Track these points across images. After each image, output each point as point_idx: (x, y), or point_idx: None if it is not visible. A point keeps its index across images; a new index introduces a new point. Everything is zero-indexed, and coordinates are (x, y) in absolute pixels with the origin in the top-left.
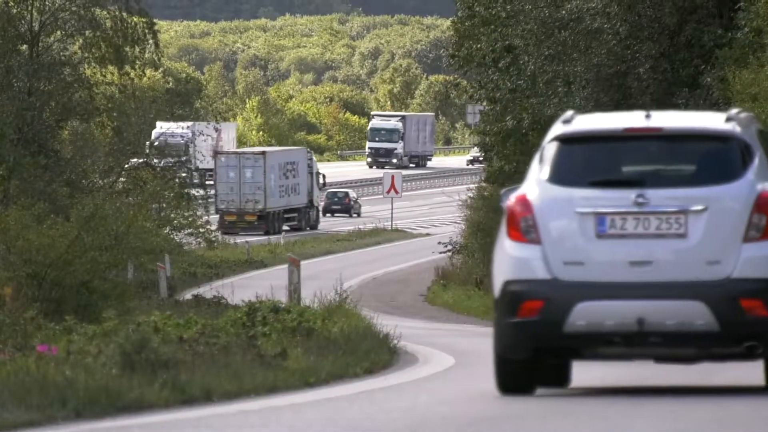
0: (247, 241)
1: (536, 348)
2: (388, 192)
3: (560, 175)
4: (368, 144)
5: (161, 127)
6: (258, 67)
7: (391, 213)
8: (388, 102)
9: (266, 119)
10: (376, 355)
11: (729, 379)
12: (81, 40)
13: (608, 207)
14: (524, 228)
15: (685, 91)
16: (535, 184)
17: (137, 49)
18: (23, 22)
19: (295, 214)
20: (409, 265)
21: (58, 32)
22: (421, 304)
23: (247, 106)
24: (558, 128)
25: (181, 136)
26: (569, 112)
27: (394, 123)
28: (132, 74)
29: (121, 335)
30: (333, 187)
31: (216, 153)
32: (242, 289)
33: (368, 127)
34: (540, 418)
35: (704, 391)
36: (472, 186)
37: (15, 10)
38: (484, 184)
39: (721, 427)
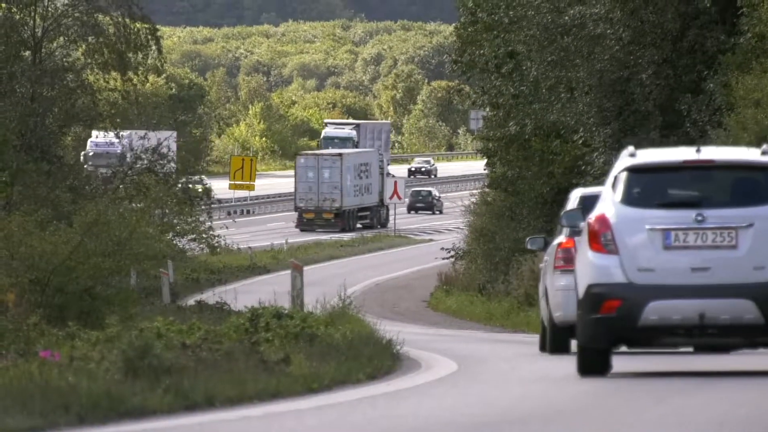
0: (249, 247)
1: (615, 339)
2: (391, 198)
3: (631, 198)
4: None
5: (96, 136)
6: (261, 73)
7: (395, 219)
8: (391, 108)
9: (269, 125)
10: (379, 360)
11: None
12: (84, 46)
13: (673, 224)
14: (604, 242)
15: (688, 96)
16: (611, 205)
17: (140, 55)
18: (26, 28)
19: (368, 213)
20: (411, 270)
21: (61, 38)
22: (423, 310)
23: (250, 112)
24: (626, 161)
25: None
26: (631, 148)
27: (347, 131)
28: (135, 80)
29: (124, 341)
30: (416, 186)
31: (296, 154)
32: (245, 294)
33: (321, 136)
34: (543, 420)
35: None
36: (475, 192)
37: (18, 16)
38: (487, 190)
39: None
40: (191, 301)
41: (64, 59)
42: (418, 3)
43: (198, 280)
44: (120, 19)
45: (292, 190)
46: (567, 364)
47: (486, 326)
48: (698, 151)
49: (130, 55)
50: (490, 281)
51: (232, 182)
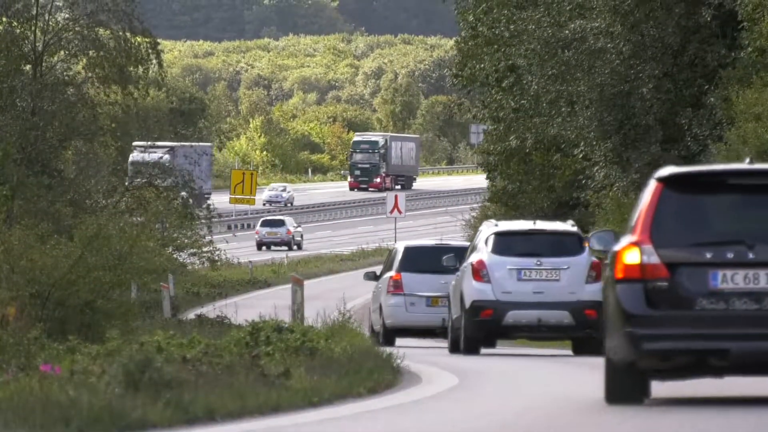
0: (250, 261)
1: (487, 334)
2: (392, 212)
3: (497, 250)
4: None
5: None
6: (261, 86)
7: (395, 233)
8: (390, 122)
9: (270, 139)
10: (379, 374)
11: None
12: (84, 60)
13: (522, 266)
14: (482, 275)
15: (688, 110)
16: (486, 254)
17: (141, 69)
18: (27, 42)
19: None
20: None
21: (62, 52)
22: None
23: (251, 125)
24: (493, 228)
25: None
26: (493, 221)
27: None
28: (135, 94)
29: (124, 355)
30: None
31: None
32: (246, 308)
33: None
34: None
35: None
36: (475, 206)
37: (19, 30)
38: (487, 204)
39: None
40: (192, 315)
41: (65, 73)
42: (419, 17)
43: (198, 294)
44: (121, 33)
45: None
46: (567, 379)
47: None
48: (534, 223)
49: (131, 69)
50: None
51: (233, 196)
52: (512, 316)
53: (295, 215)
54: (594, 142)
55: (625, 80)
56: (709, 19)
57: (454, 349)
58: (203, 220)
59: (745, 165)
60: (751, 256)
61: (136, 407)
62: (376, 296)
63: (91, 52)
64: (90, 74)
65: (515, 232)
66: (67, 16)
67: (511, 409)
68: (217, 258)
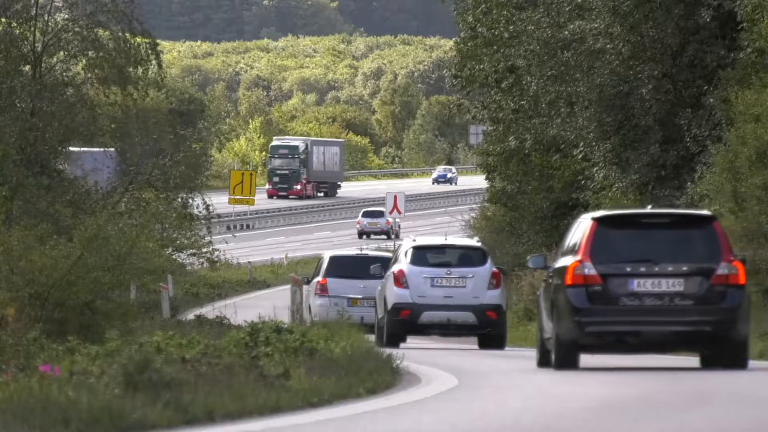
0: (249, 262)
1: (406, 331)
2: (391, 212)
3: (415, 261)
4: None
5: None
6: (261, 87)
7: (394, 234)
8: (390, 123)
9: (269, 140)
10: (379, 375)
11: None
12: (84, 61)
13: (435, 275)
14: (402, 282)
15: (687, 111)
16: (405, 264)
17: (140, 70)
18: (26, 42)
19: None
20: None
21: (61, 53)
22: None
23: (250, 126)
24: (411, 243)
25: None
26: (413, 236)
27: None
28: (135, 95)
29: (123, 355)
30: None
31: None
32: (245, 309)
33: None
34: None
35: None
36: (474, 206)
37: (18, 31)
38: (486, 204)
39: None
40: (191, 316)
41: (64, 74)
42: (418, 18)
43: (198, 295)
44: (120, 34)
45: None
46: (566, 380)
47: None
48: (446, 239)
49: (130, 69)
50: None
51: (232, 197)
52: (426, 316)
53: (295, 215)
54: (593, 143)
55: (624, 81)
56: (708, 19)
57: (380, 343)
58: (203, 221)
59: (648, 210)
60: (656, 269)
61: (135, 408)
62: (307, 298)
63: (90, 53)
64: (89, 75)
65: (430, 247)
66: (66, 16)
67: (511, 409)
68: (216, 259)
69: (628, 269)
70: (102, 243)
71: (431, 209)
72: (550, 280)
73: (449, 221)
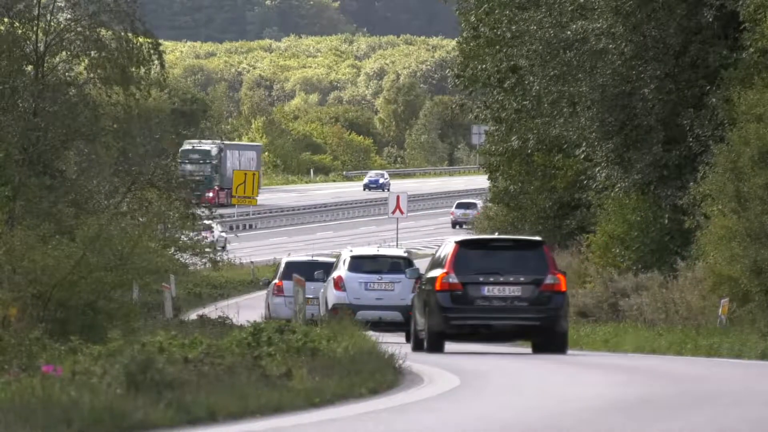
0: (252, 261)
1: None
2: (393, 212)
3: (352, 268)
4: None
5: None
6: (263, 87)
7: (396, 234)
8: (393, 122)
9: (271, 140)
10: (381, 375)
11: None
12: (86, 61)
13: (369, 280)
14: (340, 286)
15: (690, 111)
16: (344, 271)
17: (142, 70)
18: (29, 42)
19: None
20: None
21: (64, 53)
22: None
23: (252, 126)
24: (349, 253)
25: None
26: (350, 247)
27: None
28: (137, 95)
29: (126, 355)
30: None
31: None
32: (247, 309)
33: None
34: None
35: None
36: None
37: (20, 31)
38: (489, 204)
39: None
40: (193, 316)
41: (67, 74)
42: (420, 17)
43: (200, 295)
44: (122, 34)
45: (295, 204)
46: (569, 380)
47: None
48: (378, 249)
49: (133, 69)
50: None
51: (235, 196)
52: (361, 315)
53: (298, 215)
54: (596, 143)
55: (626, 81)
56: (710, 19)
57: None
58: (205, 221)
59: (496, 236)
60: (501, 279)
61: (137, 408)
62: (268, 296)
63: (92, 53)
64: (92, 75)
65: (364, 256)
66: (68, 16)
67: (513, 409)
68: (218, 259)
69: (481, 279)
70: (104, 243)
71: (434, 209)
72: (423, 286)
73: (448, 221)
